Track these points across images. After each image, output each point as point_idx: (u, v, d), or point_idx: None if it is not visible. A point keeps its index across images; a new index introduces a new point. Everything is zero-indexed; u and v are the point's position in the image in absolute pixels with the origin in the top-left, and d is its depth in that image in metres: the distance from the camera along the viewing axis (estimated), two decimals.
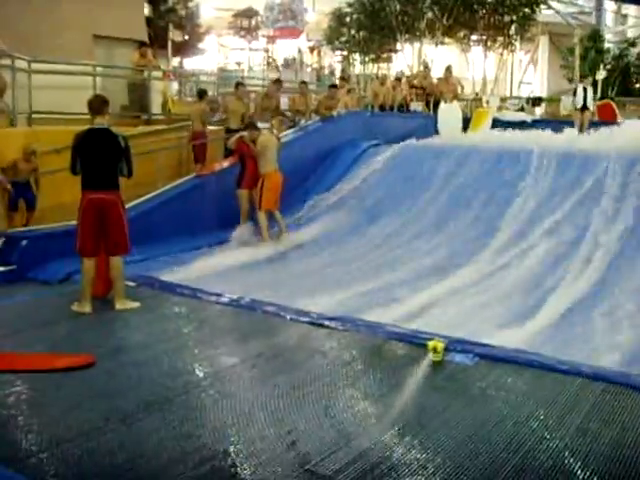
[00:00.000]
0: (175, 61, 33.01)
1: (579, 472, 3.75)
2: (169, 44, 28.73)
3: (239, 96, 13.11)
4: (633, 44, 31.66)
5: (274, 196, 10.76)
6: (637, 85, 31.29)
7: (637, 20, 36.99)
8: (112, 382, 5.01)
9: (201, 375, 5.19)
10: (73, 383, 4.96)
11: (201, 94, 13.28)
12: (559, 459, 3.88)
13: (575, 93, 17.20)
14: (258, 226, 10.76)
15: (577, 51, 23.37)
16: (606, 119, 17.97)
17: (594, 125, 16.30)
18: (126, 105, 14.11)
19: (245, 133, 11.00)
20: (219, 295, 7.31)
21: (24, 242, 8.26)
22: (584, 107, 16.62)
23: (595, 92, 21.28)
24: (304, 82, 16.16)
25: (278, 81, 15.04)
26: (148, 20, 23.50)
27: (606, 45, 31.50)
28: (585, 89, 16.86)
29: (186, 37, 33.42)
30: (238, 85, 13.54)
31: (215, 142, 12.85)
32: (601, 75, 21.30)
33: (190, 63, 37.03)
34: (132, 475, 3.73)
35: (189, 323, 6.62)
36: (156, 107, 14.51)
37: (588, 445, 4.04)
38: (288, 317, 6.59)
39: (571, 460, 3.87)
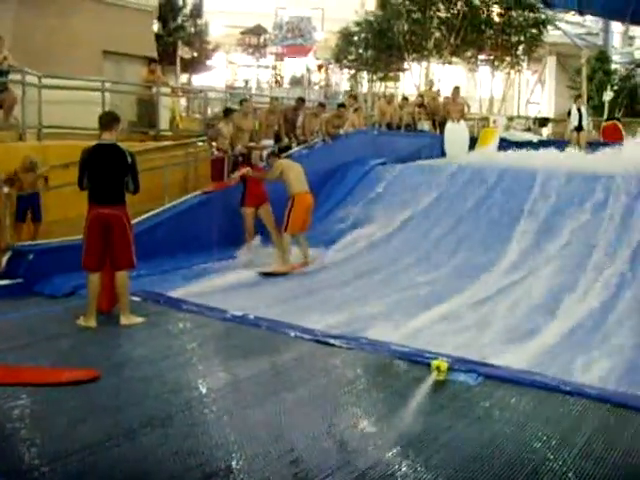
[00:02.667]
0: (184, 77, 33.23)
1: None
2: (178, 61, 28.95)
3: (245, 112, 13.13)
4: None
5: (302, 219, 10.28)
6: None
7: None
8: (116, 397, 5.01)
9: (204, 391, 5.20)
10: (77, 397, 4.97)
11: (227, 112, 13.29)
12: None
13: (570, 114, 17.26)
14: (276, 249, 10.50)
15: (584, 72, 23.42)
16: (612, 140, 18.01)
17: (601, 145, 16.33)
18: (134, 121, 14.19)
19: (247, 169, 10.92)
20: (224, 312, 7.32)
21: (31, 256, 8.29)
22: (579, 127, 16.68)
23: (602, 113, 21.36)
24: (322, 104, 16.15)
25: (301, 100, 15.07)
26: (157, 37, 23.72)
27: (613, 66, 31.61)
28: (579, 109, 16.91)
29: (195, 54, 33.65)
30: (243, 102, 13.54)
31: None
32: (608, 96, 21.38)
33: (198, 80, 37.25)
34: None
35: (194, 339, 6.62)
36: (164, 123, 14.59)
37: (591, 467, 4.02)
38: (292, 334, 6.59)
39: None
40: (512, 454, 4.16)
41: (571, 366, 6.51)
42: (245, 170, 10.93)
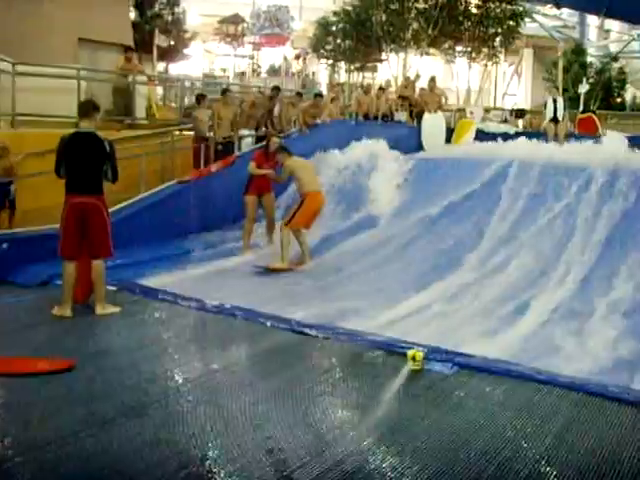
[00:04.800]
0: (160, 66, 32.99)
1: None
2: (154, 49, 28.71)
3: (227, 103, 13.17)
4: (615, 59, 32.06)
5: (309, 218, 10.13)
6: (618, 99, 31.65)
7: (619, 35, 37.38)
8: (91, 387, 4.99)
9: (180, 381, 5.18)
10: (52, 387, 4.94)
11: (199, 99, 13.28)
12: (535, 468, 3.91)
13: (546, 106, 17.35)
14: (266, 237, 10.79)
15: (560, 64, 23.58)
16: (588, 132, 18.15)
17: (577, 138, 16.45)
18: (110, 109, 14.07)
19: (269, 171, 10.72)
20: (200, 301, 7.31)
21: (5, 245, 8.21)
22: (555, 119, 16.76)
23: (578, 106, 21.50)
24: (299, 94, 16.20)
25: (277, 88, 15.09)
26: (134, 25, 23.50)
27: (589, 59, 31.86)
28: (555, 100, 16.99)
29: (172, 42, 33.39)
30: (225, 92, 13.59)
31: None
32: (584, 89, 21.49)
33: (175, 68, 37.00)
34: None
35: (170, 329, 6.60)
36: (140, 112, 14.48)
37: (564, 455, 4.08)
38: (269, 324, 6.60)
39: (547, 469, 3.90)
40: (486, 443, 4.20)
41: (545, 355, 6.58)
42: (266, 172, 10.72)
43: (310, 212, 10.07)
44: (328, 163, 13.46)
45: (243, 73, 39.73)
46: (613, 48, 35.96)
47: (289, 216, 10.01)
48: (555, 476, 3.83)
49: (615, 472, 3.89)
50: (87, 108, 6.99)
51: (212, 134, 12.72)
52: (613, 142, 13.50)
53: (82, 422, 4.32)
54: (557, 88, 20.29)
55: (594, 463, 3.99)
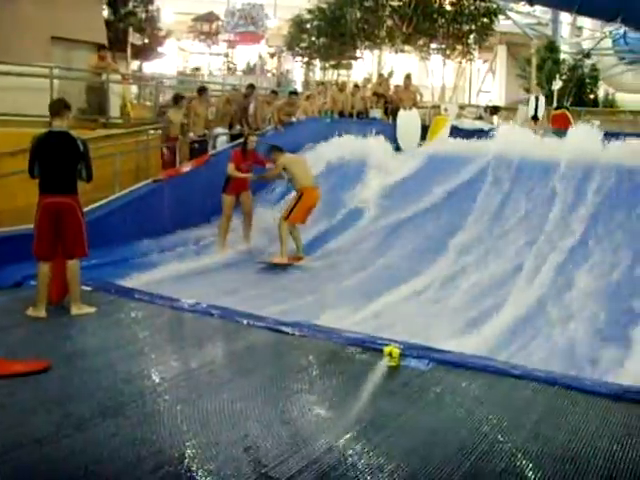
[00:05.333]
0: (135, 64, 32.76)
1: (531, 474, 3.82)
2: (129, 47, 28.51)
3: (203, 101, 13.19)
4: (588, 55, 32.29)
5: (305, 213, 10.42)
6: (591, 95, 31.90)
7: (592, 32, 37.69)
8: (67, 388, 4.96)
9: (157, 380, 5.16)
10: (27, 389, 4.89)
11: (176, 100, 13.20)
12: (512, 462, 3.94)
13: (528, 102, 17.50)
14: (244, 236, 10.93)
15: (534, 61, 23.75)
16: (561, 128, 18.26)
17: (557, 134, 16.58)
18: (84, 108, 13.96)
19: (248, 175, 10.83)
20: (176, 300, 7.28)
21: None
22: (535, 117, 16.90)
23: (551, 102, 21.67)
24: (274, 92, 16.23)
25: (251, 86, 15.07)
26: (107, 23, 23.35)
27: (562, 56, 32.05)
28: (537, 98, 17.12)
29: (146, 40, 33.13)
30: (202, 91, 13.56)
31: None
32: (557, 85, 21.66)
33: (150, 67, 36.75)
34: None
35: (146, 328, 6.57)
36: (115, 111, 14.38)
37: (540, 448, 4.11)
38: (245, 322, 6.59)
39: (523, 462, 3.94)
40: (463, 438, 4.23)
41: (522, 350, 6.65)
42: (248, 175, 10.83)
43: (306, 208, 10.32)
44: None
45: (197, 69, 39.50)
46: (586, 45, 36.24)
47: (287, 211, 10.19)
48: (531, 469, 3.86)
49: (590, 464, 3.94)
50: (58, 107, 6.92)
51: (182, 135, 12.62)
52: (586, 137, 13.61)
53: (58, 423, 4.29)
54: (540, 86, 20.41)
55: (569, 455, 4.03)
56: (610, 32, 33.00)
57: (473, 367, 5.46)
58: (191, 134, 12.71)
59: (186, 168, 11.76)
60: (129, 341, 6.13)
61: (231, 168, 10.64)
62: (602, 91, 34.89)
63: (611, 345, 7.03)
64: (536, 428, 4.39)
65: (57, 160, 6.72)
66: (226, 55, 43.21)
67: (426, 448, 4.09)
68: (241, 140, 11.53)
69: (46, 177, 6.72)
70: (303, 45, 34.97)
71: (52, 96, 11.08)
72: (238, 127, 14.07)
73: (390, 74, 20.79)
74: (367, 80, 22.10)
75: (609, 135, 12.34)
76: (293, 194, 10.68)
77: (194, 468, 3.79)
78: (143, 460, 3.87)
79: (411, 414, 4.60)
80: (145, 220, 10.49)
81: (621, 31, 33.08)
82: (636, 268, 8.78)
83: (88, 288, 7.45)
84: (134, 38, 29.65)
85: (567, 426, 4.44)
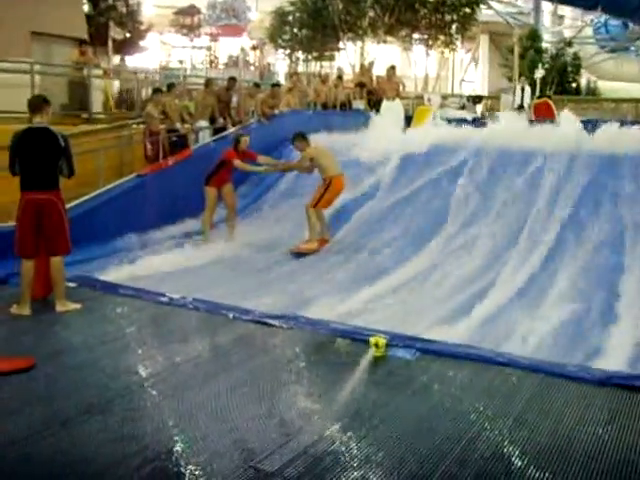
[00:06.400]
0: (116, 59, 32.57)
1: (517, 461, 3.84)
2: (110, 42, 28.35)
3: (172, 96, 13.21)
4: (569, 44, 32.43)
5: (332, 199, 10.70)
6: (573, 84, 32.04)
7: (573, 21, 37.87)
8: (52, 385, 4.93)
9: (143, 376, 5.14)
10: (12, 387, 4.86)
11: (155, 93, 13.16)
12: (498, 449, 3.97)
13: (515, 92, 17.57)
14: (227, 226, 11.06)
15: (516, 50, 23.81)
16: (544, 117, 18.33)
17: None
18: (66, 104, 13.87)
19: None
20: (161, 295, 7.25)
21: None
22: (521, 106, 16.96)
23: (534, 91, 21.75)
24: (257, 84, 16.23)
25: (233, 79, 15.04)
26: (88, 17, 23.11)
27: (544, 45, 32.16)
28: (523, 89, 17.18)
29: (127, 35, 32.93)
30: (170, 86, 13.61)
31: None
32: (539, 74, 21.72)
33: (132, 61, 36.51)
34: (72, 479, 3.69)
35: (131, 324, 6.53)
36: (97, 106, 14.30)
37: (526, 435, 4.14)
38: (231, 316, 6.57)
39: (510, 449, 3.96)
40: (450, 426, 4.25)
41: (507, 338, 6.68)
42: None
43: (334, 195, 10.61)
44: None
45: (181, 62, 39.29)
46: (567, 34, 36.39)
47: (315, 199, 10.43)
48: (517, 456, 3.89)
49: (574, 449, 3.97)
50: (37, 103, 6.85)
51: (161, 127, 12.61)
52: (568, 125, 13.67)
53: (43, 421, 4.27)
54: (526, 77, 20.46)
55: (554, 442, 4.06)
56: (591, 20, 33.15)
57: (459, 356, 5.48)
58: (162, 126, 12.65)
59: (169, 162, 11.73)
60: (115, 337, 6.09)
61: (237, 162, 10.81)
62: (584, 79, 35.05)
63: (594, 332, 7.09)
64: (522, 416, 4.42)
65: (38, 156, 6.66)
66: (208, 48, 43.00)
67: (414, 437, 4.11)
68: (223, 134, 11.55)
69: (27, 174, 6.67)
70: (285, 37, 34.86)
71: (33, 92, 11.01)
72: (221, 120, 14.04)
73: (371, 64, 20.73)
74: (340, 70, 21.98)
75: (589, 123, 12.43)
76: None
77: (182, 463, 3.78)
78: (130, 456, 3.85)
79: (398, 403, 4.62)
80: (130, 215, 10.45)
81: (602, 19, 33.26)
82: (619, 255, 8.85)
83: (73, 284, 7.40)
84: (115, 32, 29.51)
85: (552, 412, 4.47)
